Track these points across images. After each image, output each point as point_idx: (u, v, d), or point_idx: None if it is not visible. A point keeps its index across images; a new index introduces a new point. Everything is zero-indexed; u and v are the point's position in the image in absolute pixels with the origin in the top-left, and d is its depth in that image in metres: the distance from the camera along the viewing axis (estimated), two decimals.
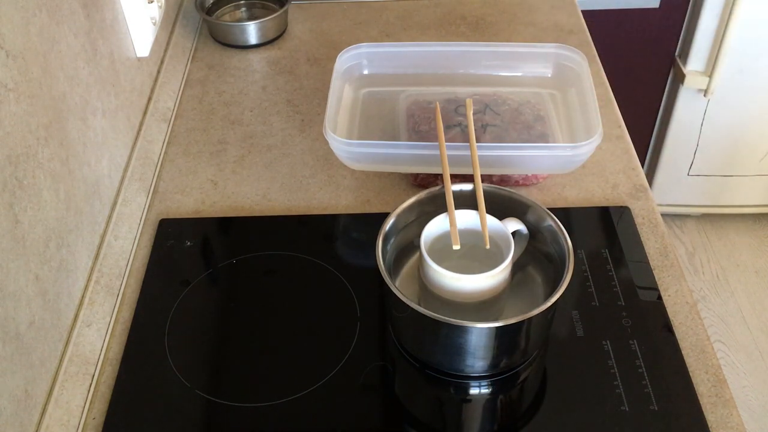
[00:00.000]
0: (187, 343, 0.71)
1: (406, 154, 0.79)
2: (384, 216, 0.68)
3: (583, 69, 0.87)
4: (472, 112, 0.77)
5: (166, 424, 0.65)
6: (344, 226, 0.83)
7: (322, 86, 1.02)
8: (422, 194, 0.71)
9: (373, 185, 0.87)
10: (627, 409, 0.64)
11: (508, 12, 1.16)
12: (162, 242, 0.80)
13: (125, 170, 0.86)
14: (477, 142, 0.74)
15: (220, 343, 0.71)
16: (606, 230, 0.80)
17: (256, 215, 0.84)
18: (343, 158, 0.82)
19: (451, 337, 0.63)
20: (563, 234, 0.66)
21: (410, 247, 0.72)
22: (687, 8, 1.52)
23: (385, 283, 0.62)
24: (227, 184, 0.88)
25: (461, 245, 0.65)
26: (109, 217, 0.80)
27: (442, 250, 0.66)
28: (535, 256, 0.71)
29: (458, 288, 0.64)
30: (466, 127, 0.83)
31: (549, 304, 0.60)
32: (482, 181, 0.70)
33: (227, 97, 1.01)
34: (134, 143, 0.89)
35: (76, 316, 0.71)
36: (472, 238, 0.68)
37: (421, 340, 0.67)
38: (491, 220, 0.67)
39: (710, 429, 0.63)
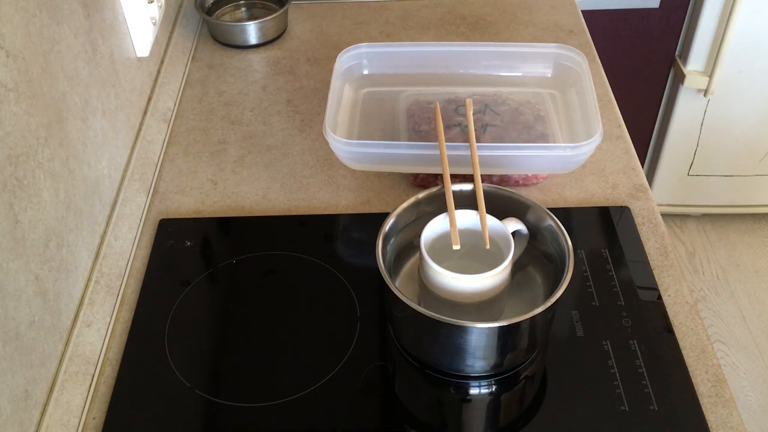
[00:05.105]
0: (187, 343, 0.71)
1: (406, 154, 0.79)
2: (384, 216, 0.68)
3: (583, 69, 0.87)
4: (472, 112, 0.77)
5: (166, 424, 0.65)
6: (344, 226, 0.83)
7: (322, 86, 1.02)
8: (422, 194, 0.71)
9: (373, 185, 0.87)
10: (627, 409, 0.64)
11: (508, 12, 1.16)
12: (162, 242, 0.80)
13: (125, 170, 0.86)
14: (477, 142, 0.74)
15: (220, 343, 0.71)
16: (606, 230, 0.80)
17: (256, 215, 0.84)
18: (343, 158, 0.82)
19: (451, 337, 0.63)
20: (563, 234, 0.66)
21: (410, 247, 0.72)
22: (687, 8, 1.52)
23: (385, 283, 0.62)
24: (227, 184, 0.88)
25: (461, 245, 0.65)
26: (109, 217, 0.80)
27: (442, 250, 0.66)
28: (535, 256, 0.71)
29: (458, 288, 0.64)
30: (466, 127, 0.83)
31: (549, 304, 0.60)
32: (482, 181, 0.70)
33: (227, 97, 1.01)
34: (134, 143, 0.89)
35: (76, 316, 0.71)
36: (472, 238, 0.68)
37: (421, 340, 0.67)
38: (491, 220, 0.67)
39: (710, 429, 0.63)
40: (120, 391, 0.67)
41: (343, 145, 0.79)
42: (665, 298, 0.73)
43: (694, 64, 1.57)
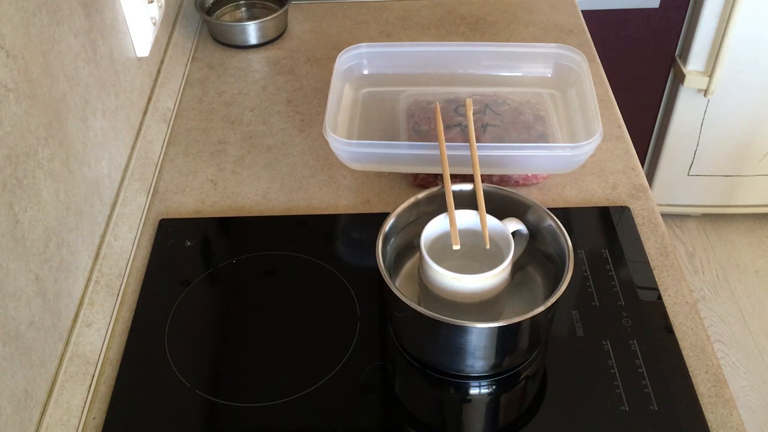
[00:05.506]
0: (187, 343, 0.71)
1: (406, 154, 0.79)
2: (384, 216, 0.68)
3: (583, 69, 0.87)
4: (472, 112, 0.77)
5: (166, 424, 0.65)
6: (344, 226, 0.83)
7: (322, 86, 1.02)
8: (422, 194, 0.71)
9: (373, 185, 0.87)
10: (627, 409, 0.64)
11: (508, 12, 1.16)
12: (162, 242, 0.80)
13: (125, 170, 0.86)
14: (477, 142, 0.74)
15: (220, 343, 0.71)
16: (606, 230, 0.80)
17: (256, 215, 0.84)
18: (343, 158, 0.82)
19: (451, 337, 0.63)
20: (563, 234, 0.66)
21: (410, 247, 0.72)
22: (687, 8, 1.52)
23: (385, 283, 0.62)
24: (227, 184, 0.88)
25: (461, 245, 0.65)
26: (109, 217, 0.80)
27: (442, 250, 0.66)
28: (535, 256, 0.71)
29: (458, 288, 0.64)
30: (466, 127, 0.83)
31: (549, 304, 0.60)
32: (482, 181, 0.70)
33: (227, 97, 1.01)
34: (134, 143, 0.89)
35: (76, 316, 0.71)
36: (472, 238, 0.68)
37: (421, 340, 0.67)
38: (491, 220, 0.67)
39: (710, 429, 0.63)
40: (120, 391, 0.67)
41: (343, 145, 0.79)
42: (665, 298, 0.73)
43: (694, 64, 1.57)
